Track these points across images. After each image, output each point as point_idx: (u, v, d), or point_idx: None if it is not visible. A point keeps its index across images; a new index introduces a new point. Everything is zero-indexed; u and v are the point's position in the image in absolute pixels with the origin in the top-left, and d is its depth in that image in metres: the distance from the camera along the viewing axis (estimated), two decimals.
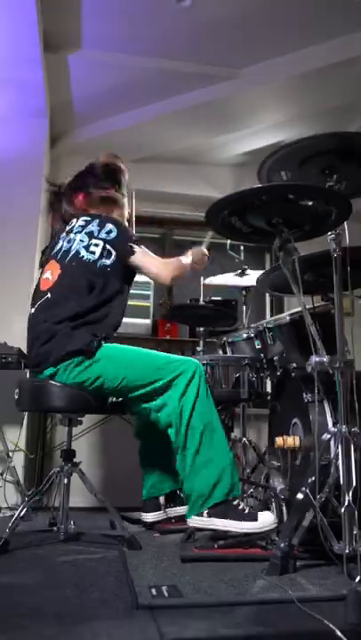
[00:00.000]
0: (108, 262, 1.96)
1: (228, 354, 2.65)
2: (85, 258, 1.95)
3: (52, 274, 1.99)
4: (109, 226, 2.00)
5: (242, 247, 3.07)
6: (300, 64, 3.12)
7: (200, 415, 1.79)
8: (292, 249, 1.67)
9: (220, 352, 2.75)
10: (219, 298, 3.66)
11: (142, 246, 2.05)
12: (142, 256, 2.03)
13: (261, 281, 2.21)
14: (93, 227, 2.00)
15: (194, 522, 1.76)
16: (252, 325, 2.57)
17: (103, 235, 1.98)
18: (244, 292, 3.01)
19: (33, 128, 3.35)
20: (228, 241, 2.87)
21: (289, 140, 1.65)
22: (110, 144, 3.71)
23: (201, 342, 2.94)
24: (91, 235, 1.98)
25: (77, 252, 1.96)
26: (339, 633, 1.03)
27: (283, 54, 3.13)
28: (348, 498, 1.43)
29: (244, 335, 2.56)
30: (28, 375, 2.65)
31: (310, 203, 1.61)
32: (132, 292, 3.56)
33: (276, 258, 1.78)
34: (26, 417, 2.80)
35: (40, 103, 3.23)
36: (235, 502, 1.75)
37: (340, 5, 2.74)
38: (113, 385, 1.85)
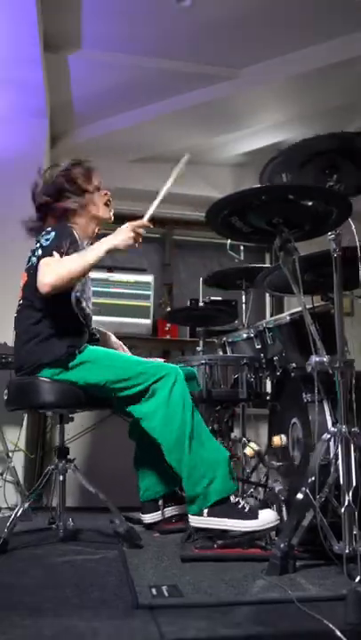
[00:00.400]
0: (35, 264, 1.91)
1: (228, 354, 2.65)
2: (32, 262, 1.96)
3: (23, 282, 2.06)
4: (52, 233, 1.94)
5: (242, 247, 3.07)
6: (300, 64, 3.12)
7: (185, 418, 1.80)
8: (292, 249, 1.67)
9: (220, 352, 2.75)
10: (219, 298, 3.66)
11: (57, 256, 1.86)
12: (46, 264, 1.84)
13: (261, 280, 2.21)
14: (43, 235, 1.98)
15: (194, 522, 1.76)
16: (253, 325, 2.57)
17: (45, 241, 1.93)
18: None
19: (33, 128, 3.34)
20: (228, 241, 2.87)
21: (289, 140, 1.65)
22: (110, 144, 3.72)
23: (201, 342, 2.94)
24: (40, 244, 1.95)
25: (30, 261, 2.01)
26: (339, 633, 1.03)
27: (283, 54, 3.13)
28: (348, 498, 1.43)
29: (244, 335, 2.56)
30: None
31: (310, 203, 1.61)
32: (132, 292, 3.61)
33: (276, 258, 1.78)
34: (26, 417, 2.80)
35: (40, 103, 3.23)
36: (234, 500, 1.75)
37: (340, 5, 2.74)
38: (97, 387, 1.88)
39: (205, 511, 1.73)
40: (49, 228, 1.99)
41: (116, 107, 3.53)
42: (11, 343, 2.54)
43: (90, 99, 3.43)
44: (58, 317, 1.90)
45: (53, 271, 1.81)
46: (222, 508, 1.73)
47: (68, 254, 1.86)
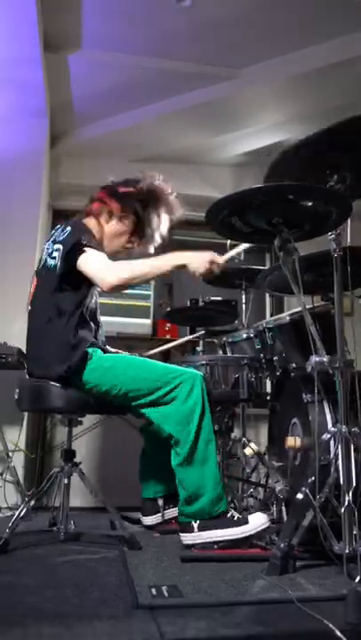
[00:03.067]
0: (59, 263, 1.88)
1: (228, 354, 2.65)
2: (49, 264, 1.92)
3: (32, 286, 2.02)
4: (68, 228, 1.92)
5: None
6: (300, 64, 3.12)
7: (203, 428, 1.78)
8: (292, 249, 1.67)
9: (220, 352, 2.74)
10: (219, 298, 3.66)
11: (94, 250, 1.86)
12: (90, 257, 1.83)
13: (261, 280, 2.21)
14: (58, 231, 1.95)
15: (186, 540, 1.73)
16: (253, 325, 2.57)
17: (61, 237, 1.91)
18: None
19: (33, 128, 3.34)
20: (228, 241, 2.87)
21: (289, 141, 1.65)
22: (110, 144, 3.72)
23: (201, 342, 2.94)
24: (54, 240, 1.94)
25: (45, 261, 1.96)
26: (339, 633, 1.03)
27: (283, 54, 3.12)
28: (348, 498, 1.43)
29: (244, 335, 2.56)
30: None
31: (310, 203, 1.61)
32: (132, 291, 3.61)
33: (277, 258, 1.78)
34: (26, 417, 2.80)
35: (40, 103, 3.22)
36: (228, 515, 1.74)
37: (340, 5, 2.74)
38: (109, 396, 1.86)
39: (195, 526, 1.71)
40: (62, 225, 1.97)
41: (116, 107, 3.53)
42: (11, 343, 2.55)
43: (90, 99, 3.43)
44: (71, 323, 1.87)
45: (115, 272, 1.81)
46: (212, 521, 1.72)
47: (90, 244, 1.86)
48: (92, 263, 1.84)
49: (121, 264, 1.85)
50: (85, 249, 1.84)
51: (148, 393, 1.82)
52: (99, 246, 1.91)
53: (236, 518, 1.73)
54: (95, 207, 2.08)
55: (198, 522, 1.72)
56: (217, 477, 1.76)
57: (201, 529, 1.71)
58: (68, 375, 1.84)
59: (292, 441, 1.84)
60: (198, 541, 1.71)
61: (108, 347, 2.12)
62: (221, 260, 1.88)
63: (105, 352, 1.98)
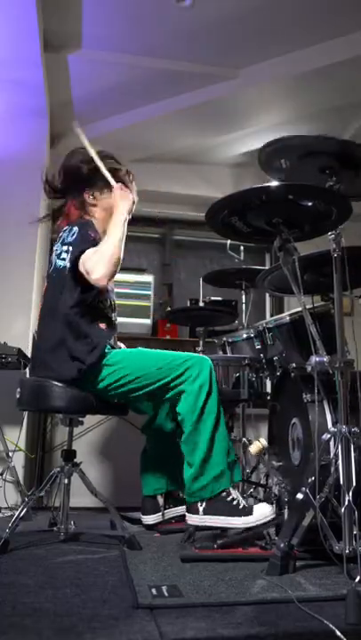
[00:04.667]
0: (69, 265, 1.88)
1: (228, 354, 2.65)
2: (59, 265, 1.93)
3: (44, 288, 2.03)
4: (75, 228, 1.94)
5: (242, 247, 3.07)
6: (300, 64, 3.12)
7: (211, 411, 1.81)
8: (291, 249, 1.67)
9: (220, 352, 2.75)
10: (219, 298, 3.67)
11: (89, 250, 1.87)
12: (87, 259, 1.84)
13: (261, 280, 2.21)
14: (65, 233, 1.97)
15: (191, 520, 1.76)
16: (252, 325, 2.57)
17: (69, 238, 1.92)
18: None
19: (33, 128, 3.34)
20: (228, 241, 2.87)
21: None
22: (110, 144, 3.71)
23: (201, 342, 2.94)
24: (63, 242, 1.95)
25: (55, 263, 1.96)
26: (339, 633, 1.03)
27: (283, 54, 3.13)
28: (348, 498, 1.43)
29: (244, 335, 2.56)
30: (27, 374, 2.65)
31: (310, 203, 1.61)
32: (132, 291, 3.61)
33: (276, 258, 1.78)
34: (26, 417, 2.80)
35: (40, 103, 3.22)
36: (229, 498, 1.75)
37: (341, 5, 2.74)
38: (117, 388, 1.87)
39: (201, 509, 1.74)
40: (69, 227, 1.98)
41: (116, 107, 3.53)
42: (11, 343, 2.55)
43: (90, 99, 3.43)
44: (85, 323, 1.87)
45: (96, 264, 1.82)
46: (218, 505, 1.73)
47: (96, 243, 1.88)
48: (84, 266, 1.84)
49: (97, 257, 1.84)
50: (82, 256, 1.86)
51: (157, 380, 1.85)
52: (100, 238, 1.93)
53: (241, 506, 1.74)
54: (73, 208, 2.08)
55: (205, 504, 1.74)
56: (222, 453, 1.78)
57: (206, 512, 1.73)
58: (82, 376, 1.83)
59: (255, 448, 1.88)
60: (202, 524, 1.73)
61: (118, 343, 2.12)
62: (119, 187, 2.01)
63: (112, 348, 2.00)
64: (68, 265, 1.88)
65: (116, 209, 1.95)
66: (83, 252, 1.85)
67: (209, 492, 1.75)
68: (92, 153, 2.10)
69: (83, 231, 1.91)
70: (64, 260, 1.90)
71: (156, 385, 1.86)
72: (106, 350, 1.89)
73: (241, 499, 1.78)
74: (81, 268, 1.85)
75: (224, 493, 1.76)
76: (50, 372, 1.87)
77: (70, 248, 1.89)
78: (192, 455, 1.79)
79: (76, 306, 1.87)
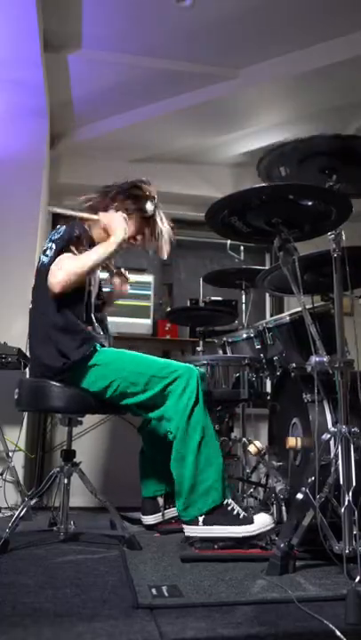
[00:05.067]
0: (48, 261, 1.89)
1: (228, 354, 2.65)
2: (42, 261, 1.94)
3: (33, 285, 2.04)
4: (62, 227, 1.95)
5: (242, 247, 3.07)
6: (300, 64, 3.12)
7: (197, 422, 1.79)
8: (291, 249, 1.67)
9: (220, 352, 2.75)
10: (219, 298, 3.66)
11: (65, 254, 1.88)
12: (56, 262, 1.86)
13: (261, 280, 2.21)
14: (55, 231, 1.98)
15: (189, 531, 1.73)
16: (253, 325, 2.57)
17: (55, 235, 1.94)
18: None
19: (33, 128, 3.34)
20: (228, 241, 2.87)
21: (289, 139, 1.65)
22: (110, 144, 3.73)
23: (201, 342, 2.94)
24: (50, 239, 1.96)
25: (40, 260, 1.98)
26: (339, 633, 1.04)
27: (283, 54, 3.13)
28: (348, 498, 1.43)
29: (244, 335, 2.56)
30: (27, 375, 2.65)
31: (310, 203, 1.61)
32: (132, 291, 3.60)
33: (276, 258, 1.78)
34: (26, 417, 2.80)
35: (40, 103, 3.22)
36: (229, 507, 1.74)
37: (341, 5, 2.74)
38: (108, 391, 1.87)
39: (200, 520, 1.72)
40: (59, 226, 1.99)
41: (116, 107, 3.53)
42: (11, 343, 2.55)
43: (90, 99, 3.43)
44: (69, 319, 1.88)
45: (62, 269, 1.84)
46: (217, 515, 1.72)
47: (80, 242, 1.90)
48: (52, 268, 1.86)
49: (66, 264, 1.86)
50: (69, 249, 1.88)
51: (145, 389, 1.84)
52: (87, 239, 1.93)
53: (241, 516, 1.73)
54: (107, 202, 2.09)
55: (204, 516, 1.72)
56: (209, 466, 1.76)
57: (206, 523, 1.71)
58: (66, 370, 1.84)
59: (293, 441, 1.84)
60: (201, 535, 1.71)
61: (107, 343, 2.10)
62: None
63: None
64: (47, 261, 1.90)
65: (113, 235, 1.94)
66: (62, 250, 1.88)
67: (203, 506, 1.72)
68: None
69: (68, 229, 1.93)
70: (47, 256, 1.92)
71: (145, 395, 1.85)
72: (98, 348, 1.90)
73: (241, 510, 1.76)
74: (52, 267, 1.86)
75: (224, 503, 1.74)
76: (40, 367, 1.89)
77: (54, 245, 1.91)
78: (181, 468, 1.77)
79: (60, 301, 1.87)
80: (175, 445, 1.80)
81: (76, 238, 1.91)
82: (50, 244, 1.93)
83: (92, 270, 1.90)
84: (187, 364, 1.90)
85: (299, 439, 1.83)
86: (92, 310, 2.03)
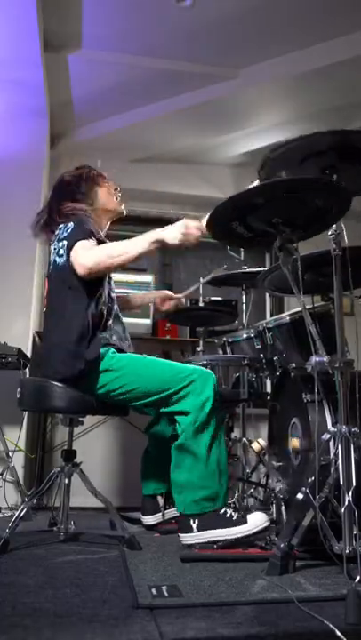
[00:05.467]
0: (66, 258, 1.87)
1: (228, 354, 2.65)
2: (59, 263, 1.91)
3: (45, 289, 2.02)
4: (70, 224, 1.92)
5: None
6: (300, 64, 3.12)
7: (210, 425, 1.78)
8: (292, 249, 1.67)
9: (220, 352, 2.75)
10: (219, 298, 3.66)
11: (82, 241, 1.85)
12: (75, 249, 1.83)
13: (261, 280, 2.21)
14: (61, 230, 1.95)
15: (186, 540, 1.73)
16: (253, 325, 2.57)
17: (65, 233, 1.91)
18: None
19: (33, 128, 3.34)
20: None
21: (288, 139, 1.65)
22: (110, 144, 3.72)
23: (201, 342, 2.94)
24: (59, 239, 1.93)
25: (54, 261, 1.96)
26: (339, 633, 1.03)
27: (283, 54, 3.13)
28: (348, 498, 1.43)
29: (244, 335, 2.56)
30: (27, 375, 2.66)
31: (310, 198, 1.60)
32: (132, 292, 3.60)
33: (277, 258, 1.78)
34: (26, 417, 2.80)
35: (40, 103, 3.23)
36: (221, 511, 1.74)
37: (341, 5, 2.74)
38: (119, 395, 1.85)
39: (195, 526, 1.71)
40: (63, 224, 1.96)
41: (116, 107, 3.53)
42: (11, 343, 2.56)
43: (90, 99, 3.43)
44: (80, 324, 1.84)
45: (93, 254, 1.81)
46: (210, 519, 1.72)
47: (93, 234, 1.87)
48: (74, 252, 1.84)
49: (98, 248, 1.85)
50: (88, 240, 1.86)
51: (160, 391, 1.82)
52: (94, 235, 1.91)
53: (235, 518, 1.73)
54: (70, 204, 2.06)
55: (197, 521, 1.72)
56: (215, 473, 1.76)
57: (200, 529, 1.71)
58: (80, 375, 1.82)
59: (297, 442, 1.85)
60: (197, 541, 1.71)
61: (126, 347, 2.06)
62: (199, 223, 1.83)
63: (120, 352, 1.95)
64: (65, 259, 1.87)
65: (158, 230, 1.86)
66: (77, 241, 1.85)
67: (199, 507, 1.72)
68: None
69: (79, 226, 1.91)
70: (62, 256, 1.89)
71: (157, 397, 1.83)
72: (110, 353, 1.88)
73: (233, 512, 1.75)
74: (72, 254, 1.84)
75: (217, 510, 1.74)
76: (52, 372, 1.86)
77: (65, 242, 1.89)
78: (185, 467, 1.77)
79: (82, 301, 1.86)
80: (183, 439, 1.78)
81: (89, 231, 1.88)
82: (60, 244, 1.91)
83: (122, 265, 1.82)
84: (203, 369, 1.88)
85: (303, 440, 1.84)
86: (111, 315, 2.00)
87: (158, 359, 1.93)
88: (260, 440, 2.44)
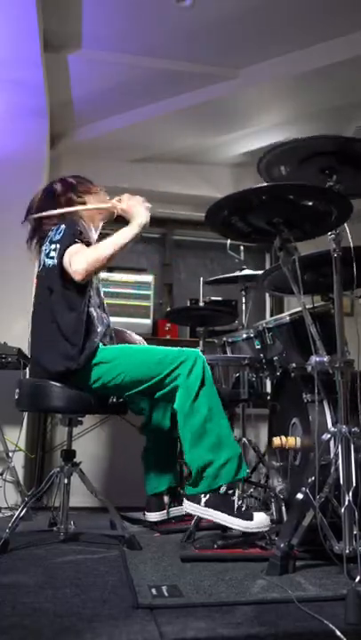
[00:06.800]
0: (56, 262, 1.89)
1: (228, 354, 2.65)
2: (47, 264, 1.93)
3: (34, 288, 2.04)
4: (62, 226, 1.94)
5: (242, 247, 3.07)
6: (300, 64, 3.12)
7: (205, 400, 1.80)
8: (292, 249, 1.67)
9: (220, 352, 2.75)
10: (219, 298, 3.67)
11: (76, 245, 1.89)
12: (69, 252, 1.86)
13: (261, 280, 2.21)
14: (53, 232, 1.97)
15: (189, 507, 1.75)
16: (253, 325, 2.57)
17: (57, 236, 1.93)
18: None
19: (33, 128, 3.34)
20: (228, 241, 2.87)
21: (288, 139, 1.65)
22: (110, 144, 3.73)
23: (201, 342, 2.94)
24: (51, 240, 1.95)
25: (43, 262, 1.97)
26: (339, 633, 1.03)
27: (283, 54, 3.12)
28: (348, 498, 1.43)
29: (244, 335, 2.56)
30: (27, 375, 2.65)
31: (310, 203, 1.61)
32: (132, 291, 3.61)
33: (277, 258, 1.78)
34: (26, 417, 2.80)
35: (40, 103, 3.23)
36: (233, 498, 1.74)
37: (341, 5, 2.74)
38: (113, 385, 1.87)
39: (203, 500, 1.73)
40: (55, 227, 1.97)
41: (116, 107, 3.53)
42: (11, 343, 2.56)
43: (90, 99, 3.43)
44: (76, 321, 1.87)
45: (82, 257, 1.84)
46: (220, 501, 1.72)
47: (83, 236, 1.90)
48: (66, 260, 1.87)
49: (87, 250, 1.87)
50: (76, 242, 1.88)
51: (152, 376, 1.85)
52: (86, 238, 1.94)
53: (243, 509, 1.73)
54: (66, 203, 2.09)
55: (208, 497, 1.73)
56: (218, 446, 1.76)
57: (208, 504, 1.72)
58: (69, 374, 1.84)
59: (278, 441, 1.85)
60: (200, 514, 1.73)
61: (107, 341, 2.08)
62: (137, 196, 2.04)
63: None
64: (56, 262, 1.89)
65: (133, 220, 1.98)
66: (69, 246, 1.87)
67: (211, 482, 1.73)
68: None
69: (70, 228, 1.93)
70: (52, 258, 1.91)
71: (151, 382, 1.85)
72: (101, 346, 1.90)
73: (241, 505, 1.76)
74: (65, 260, 1.86)
75: (230, 491, 1.74)
76: (42, 371, 1.88)
77: (58, 246, 1.90)
78: (193, 440, 1.77)
79: (68, 303, 1.88)
80: (181, 420, 1.80)
81: (79, 233, 1.91)
82: (52, 246, 1.92)
83: (113, 257, 1.88)
84: (192, 349, 1.91)
85: (285, 438, 1.84)
86: (96, 307, 2.02)
87: (147, 346, 1.96)
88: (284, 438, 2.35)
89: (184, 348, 1.91)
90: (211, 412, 1.79)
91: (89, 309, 1.94)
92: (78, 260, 1.83)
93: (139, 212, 1.98)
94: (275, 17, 2.83)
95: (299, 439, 1.87)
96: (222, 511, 1.71)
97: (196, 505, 1.74)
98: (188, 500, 1.77)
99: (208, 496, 1.73)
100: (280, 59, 3.15)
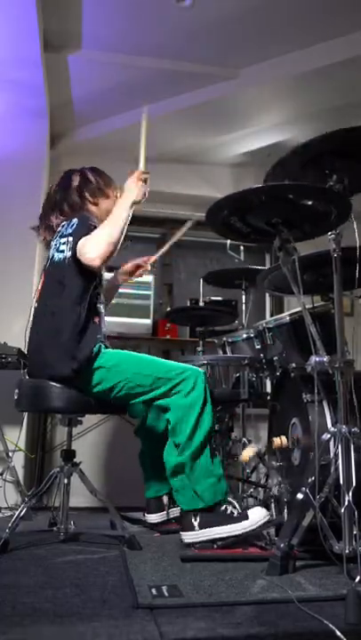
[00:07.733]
0: (69, 254, 1.88)
1: (228, 354, 2.66)
2: (56, 259, 1.92)
3: (40, 284, 2.01)
4: (74, 220, 1.93)
5: (242, 247, 3.07)
6: (300, 64, 3.12)
7: (202, 424, 1.79)
8: (291, 249, 1.67)
9: (220, 352, 2.75)
10: (219, 298, 3.67)
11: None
12: (83, 244, 1.84)
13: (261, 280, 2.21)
14: (64, 227, 1.96)
15: (188, 538, 1.73)
16: (253, 325, 2.57)
17: (69, 230, 1.92)
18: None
19: (33, 128, 3.34)
20: (228, 241, 2.88)
21: (289, 141, 1.65)
22: (110, 144, 3.72)
23: (201, 342, 2.94)
24: (61, 235, 1.94)
25: (52, 257, 1.96)
26: (339, 633, 1.04)
27: (282, 54, 3.13)
28: (348, 498, 1.43)
29: (244, 335, 2.56)
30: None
31: (310, 203, 1.61)
32: (132, 291, 3.61)
33: (276, 258, 1.78)
34: (26, 417, 2.80)
35: (40, 103, 3.23)
36: (222, 508, 1.74)
37: (341, 5, 2.74)
38: (112, 392, 1.86)
39: (196, 524, 1.72)
40: (67, 221, 1.97)
41: (116, 107, 3.53)
42: (11, 343, 2.55)
43: (90, 99, 3.43)
44: (79, 319, 1.85)
45: (92, 244, 1.82)
46: (212, 517, 1.72)
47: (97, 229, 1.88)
48: (79, 251, 1.85)
49: (94, 236, 1.85)
50: (79, 243, 1.86)
51: (151, 389, 1.84)
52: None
53: (236, 514, 1.73)
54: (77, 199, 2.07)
55: (199, 519, 1.72)
56: (210, 468, 1.76)
57: (202, 526, 1.71)
58: (74, 374, 1.82)
59: (279, 441, 1.86)
60: (200, 539, 1.71)
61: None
62: (140, 170, 2.14)
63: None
64: (68, 254, 1.87)
65: (126, 192, 1.97)
66: (80, 239, 1.86)
67: (200, 502, 1.73)
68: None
69: (83, 220, 1.91)
70: (63, 252, 1.90)
71: (149, 396, 1.85)
72: (102, 350, 1.89)
73: (233, 507, 1.76)
74: (78, 252, 1.85)
75: (217, 506, 1.74)
76: (46, 369, 1.85)
77: (70, 238, 1.89)
78: (180, 469, 1.77)
79: (77, 298, 1.85)
80: (176, 440, 1.79)
81: (93, 227, 1.89)
82: (62, 240, 1.91)
83: (119, 237, 1.86)
84: (193, 367, 1.89)
85: (283, 438, 1.85)
86: (100, 300, 2.00)
87: (148, 356, 1.94)
88: (249, 450, 2.33)
89: (187, 365, 1.89)
90: (208, 436, 1.79)
91: (98, 306, 1.93)
92: (92, 247, 1.81)
93: (130, 186, 1.99)
94: (275, 17, 2.83)
95: (284, 438, 1.89)
96: (218, 525, 1.70)
97: (191, 532, 1.72)
98: (183, 531, 1.75)
99: (198, 517, 1.72)
100: (280, 59, 3.15)
